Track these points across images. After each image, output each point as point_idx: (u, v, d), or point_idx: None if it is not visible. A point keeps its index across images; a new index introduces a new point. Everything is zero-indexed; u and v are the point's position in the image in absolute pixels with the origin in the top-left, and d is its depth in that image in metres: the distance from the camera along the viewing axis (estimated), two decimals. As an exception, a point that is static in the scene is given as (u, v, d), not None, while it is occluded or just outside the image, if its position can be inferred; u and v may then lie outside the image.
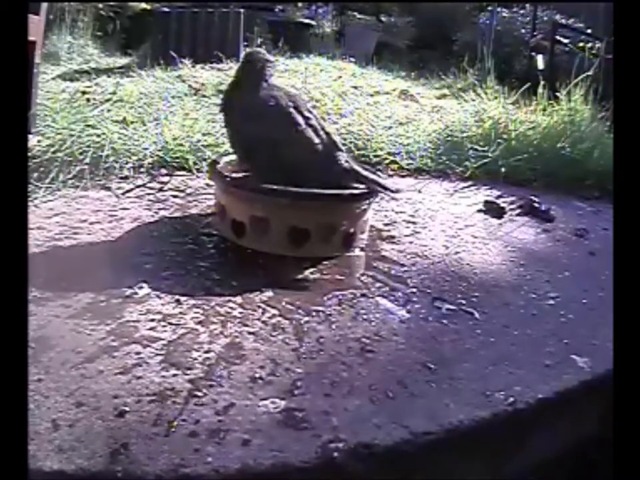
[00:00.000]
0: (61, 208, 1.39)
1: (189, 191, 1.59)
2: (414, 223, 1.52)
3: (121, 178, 1.62)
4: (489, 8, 6.09)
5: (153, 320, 0.94)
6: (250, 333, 0.93)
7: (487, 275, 1.24)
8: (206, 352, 0.87)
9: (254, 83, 1.27)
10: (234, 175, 1.29)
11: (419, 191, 1.81)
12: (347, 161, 1.27)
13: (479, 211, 1.66)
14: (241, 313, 0.99)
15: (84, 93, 2.43)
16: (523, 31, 5.58)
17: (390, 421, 0.75)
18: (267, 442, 0.70)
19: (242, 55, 3.50)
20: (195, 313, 0.98)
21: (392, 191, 1.27)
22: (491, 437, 0.80)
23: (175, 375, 0.81)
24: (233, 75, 1.36)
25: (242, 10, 4.08)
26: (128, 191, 1.55)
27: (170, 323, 0.94)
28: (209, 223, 1.35)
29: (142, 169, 1.69)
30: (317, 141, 1.25)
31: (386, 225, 1.49)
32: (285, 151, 1.23)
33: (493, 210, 1.65)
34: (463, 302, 1.10)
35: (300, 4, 6.90)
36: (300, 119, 1.25)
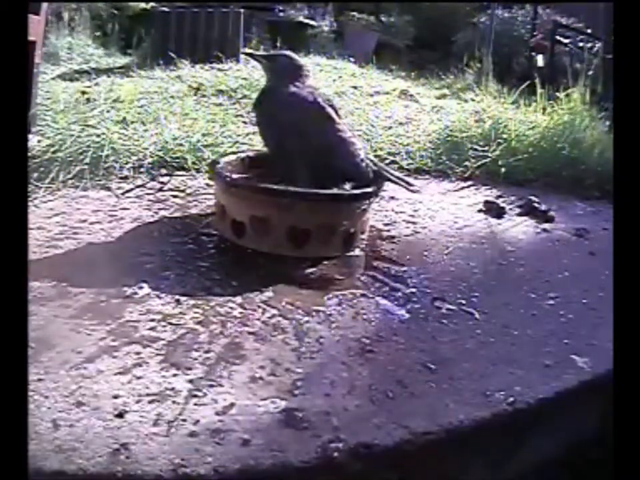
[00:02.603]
0: (61, 208, 1.38)
1: (188, 191, 1.59)
2: (414, 223, 1.52)
3: (121, 178, 1.62)
4: (489, 10, 6.09)
5: (153, 320, 0.94)
6: (250, 333, 0.93)
7: (486, 275, 1.24)
8: (206, 352, 0.87)
9: (285, 84, 1.33)
10: (234, 175, 1.29)
11: (419, 191, 1.80)
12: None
13: (479, 210, 1.66)
14: (240, 313, 0.99)
15: (84, 92, 2.42)
16: (523, 30, 5.59)
17: (390, 421, 0.75)
18: (267, 442, 0.70)
19: (241, 55, 3.52)
20: (195, 313, 0.98)
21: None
22: (491, 437, 0.80)
23: (175, 375, 0.81)
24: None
25: (242, 10, 4.08)
26: (128, 191, 1.55)
27: (170, 323, 0.94)
28: (209, 222, 1.35)
29: (142, 169, 1.68)
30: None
31: (386, 224, 1.49)
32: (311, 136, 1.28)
33: (493, 210, 1.65)
34: (463, 302, 1.10)
35: (300, 4, 6.89)
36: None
